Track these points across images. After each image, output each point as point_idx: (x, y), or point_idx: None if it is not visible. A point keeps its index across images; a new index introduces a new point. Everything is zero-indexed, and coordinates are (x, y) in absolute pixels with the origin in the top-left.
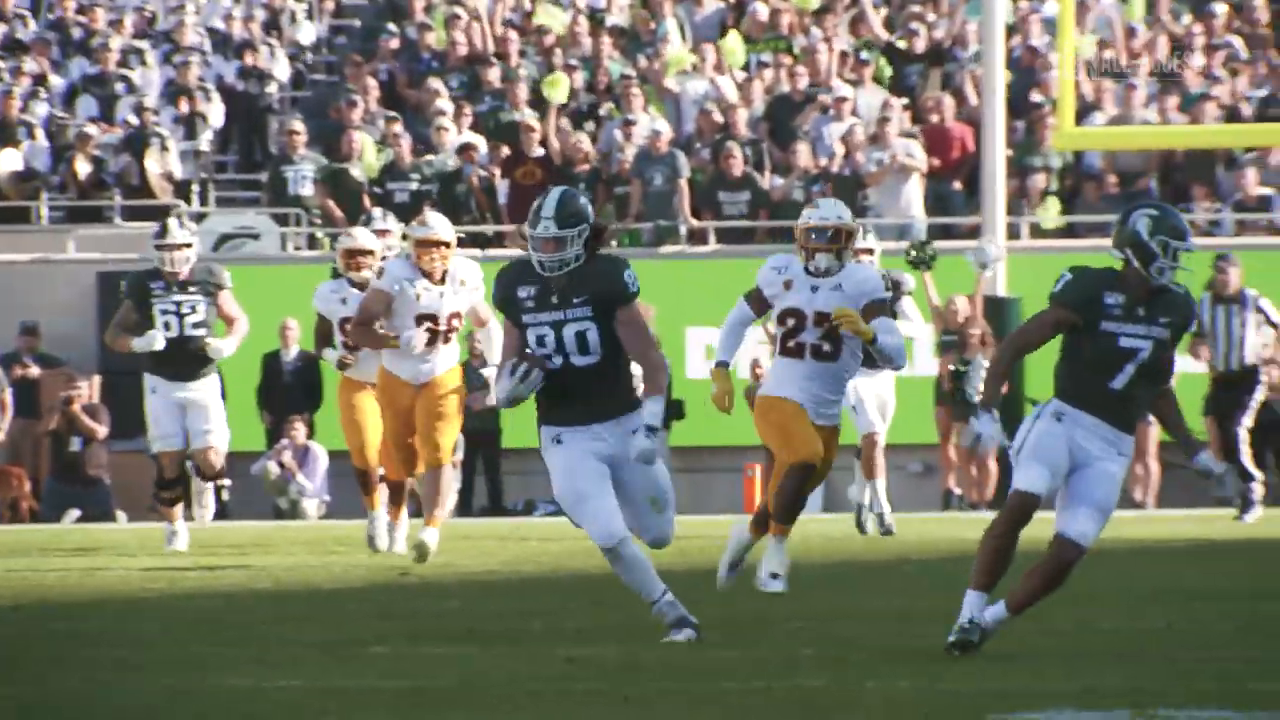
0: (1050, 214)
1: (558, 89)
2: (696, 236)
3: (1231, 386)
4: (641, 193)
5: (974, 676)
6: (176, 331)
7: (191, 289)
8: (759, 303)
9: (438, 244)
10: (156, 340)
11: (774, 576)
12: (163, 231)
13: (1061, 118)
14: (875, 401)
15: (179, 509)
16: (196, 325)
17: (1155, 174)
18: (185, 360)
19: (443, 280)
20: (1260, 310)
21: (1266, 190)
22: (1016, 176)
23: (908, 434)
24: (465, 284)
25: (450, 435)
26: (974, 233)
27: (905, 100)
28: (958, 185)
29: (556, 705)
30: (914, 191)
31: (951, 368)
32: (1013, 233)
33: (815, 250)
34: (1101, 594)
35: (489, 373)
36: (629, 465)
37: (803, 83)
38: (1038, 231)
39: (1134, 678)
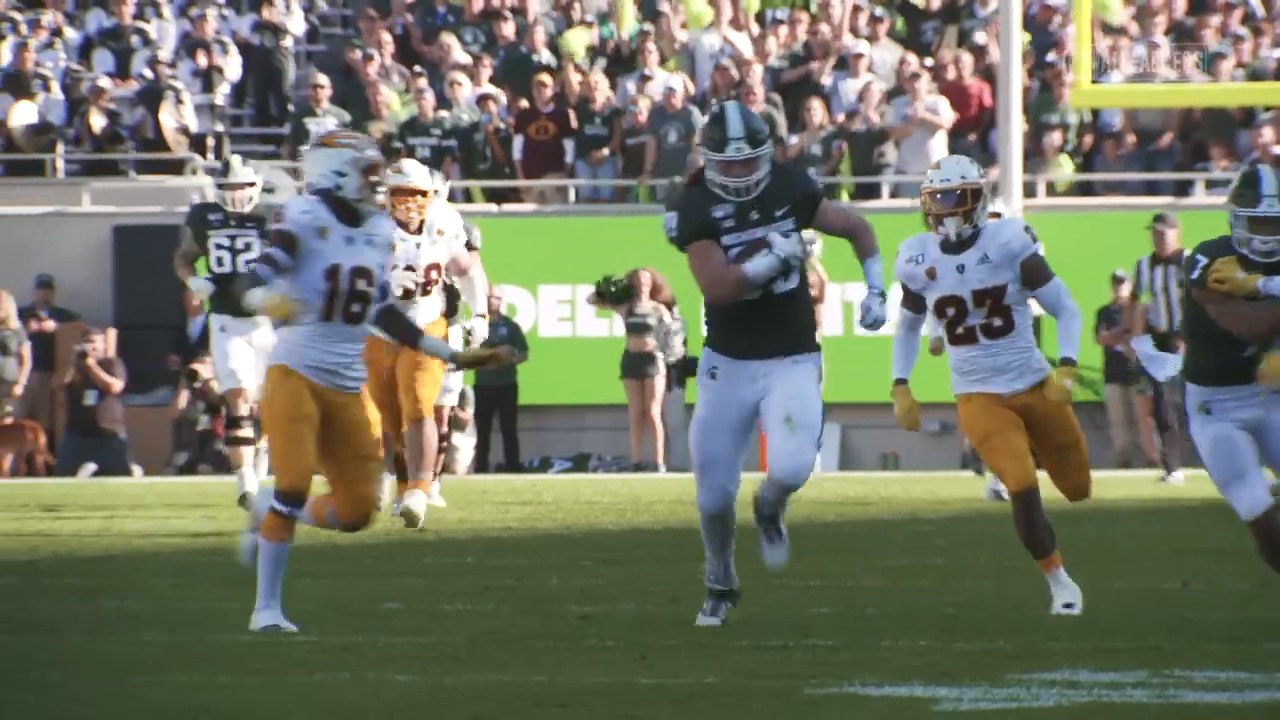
0: (1064, 171)
1: (576, 43)
2: None
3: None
4: (656, 149)
5: (990, 636)
6: (229, 267)
7: (249, 225)
8: (915, 300)
9: (413, 192)
10: (204, 288)
11: (1068, 606)
12: (225, 169)
13: (1078, 75)
14: None
15: (248, 451)
16: (250, 262)
17: (1174, 132)
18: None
19: (420, 230)
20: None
21: None
22: (1033, 134)
23: (923, 393)
24: (444, 234)
25: (431, 388)
26: (992, 190)
27: (922, 57)
28: (973, 140)
29: (571, 662)
30: (939, 148)
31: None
32: (1029, 191)
33: (942, 216)
34: (1116, 554)
35: (476, 326)
36: (779, 386)
37: (819, 38)
38: (1053, 190)
39: (1149, 638)
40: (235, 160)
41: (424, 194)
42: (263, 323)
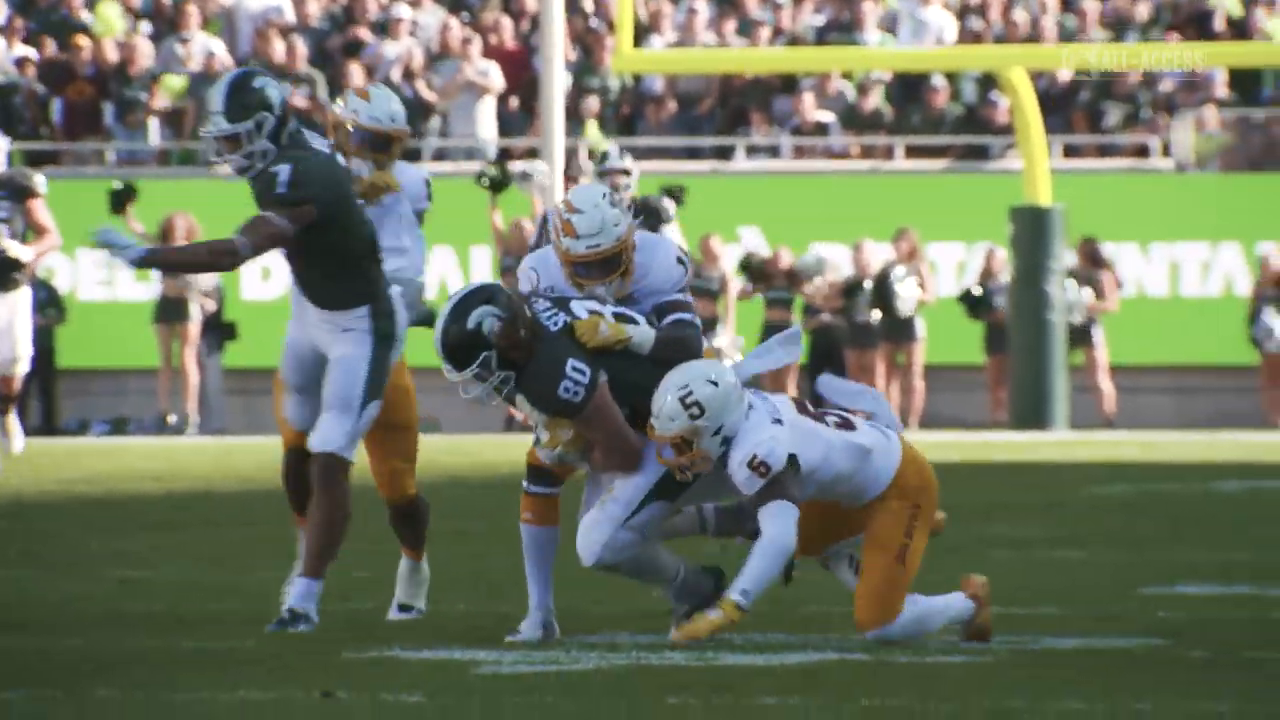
0: (593, 137)
1: (108, 13)
2: None
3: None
4: (196, 112)
5: (609, 600)
6: None
7: None
8: None
9: None
10: None
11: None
12: None
13: (620, 40)
14: None
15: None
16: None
17: (715, 98)
18: None
19: None
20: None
21: (825, 116)
22: (574, 99)
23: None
24: None
25: None
26: (533, 154)
27: (466, 18)
28: (515, 105)
29: (107, 627)
30: (486, 113)
31: None
32: (572, 155)
33: None
34: None
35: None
36: None
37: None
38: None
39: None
40: None
41: None
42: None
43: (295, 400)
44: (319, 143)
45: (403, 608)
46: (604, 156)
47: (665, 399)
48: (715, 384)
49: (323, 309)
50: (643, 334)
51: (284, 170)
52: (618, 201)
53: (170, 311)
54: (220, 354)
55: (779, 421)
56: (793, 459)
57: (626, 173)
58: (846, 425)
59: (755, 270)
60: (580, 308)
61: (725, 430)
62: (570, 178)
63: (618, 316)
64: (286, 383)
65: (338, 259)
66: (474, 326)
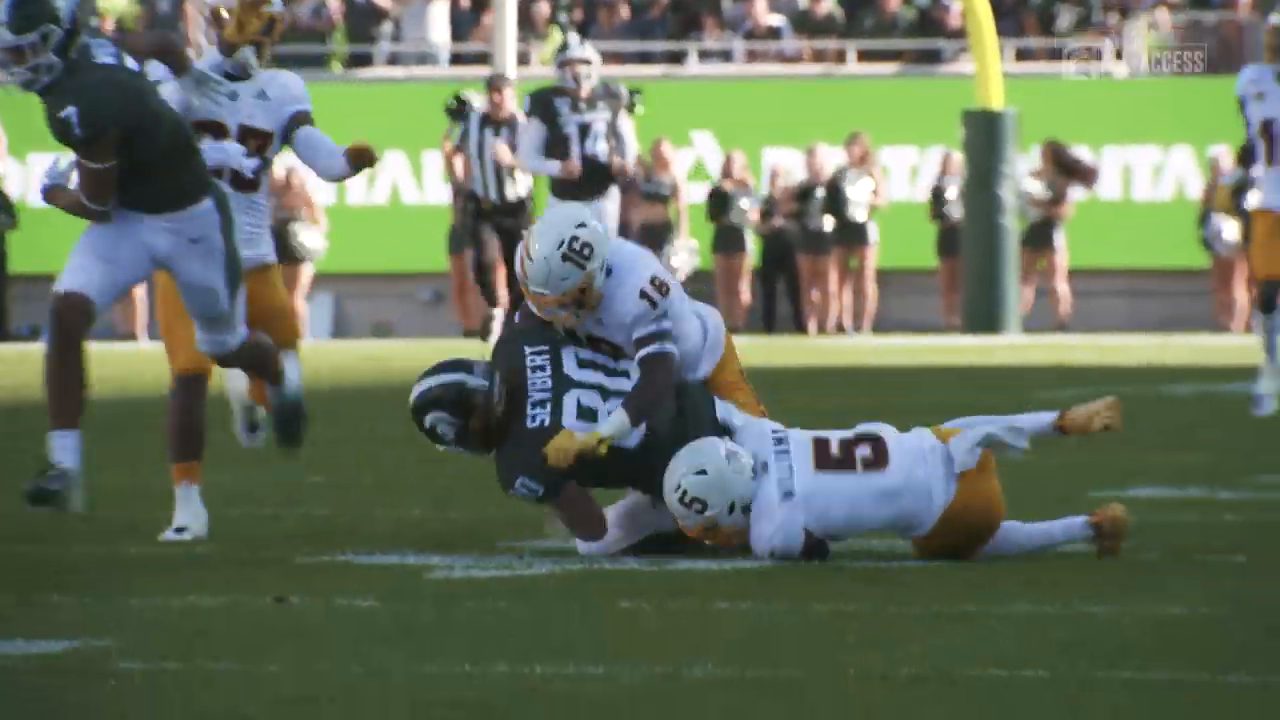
0: (550, 46)
1: None
2: None
3: (500, 215)
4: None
5: (483, 505)
6: None
7: None
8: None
9: None
10: None
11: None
12: None
13: None
14: None
15: None
16: None
17: (667, 2)
18: None
19: None
20: None
21: (776, 20)
22: (524, 2)
23: (419, 263)
24: None
25: None
26: (484, 59)
27: None
28: (468, 5)
29: (58, 533)
30: (439, 18)
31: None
32: (522, 60)
33: None
34: None
35: None
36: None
37: None
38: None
39: None
40: None
41: None
42: None
43: (98, 269)
44: (106, 53)
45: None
46: (564, 46)
47: (669, 500)
48: (704, 471)
49: (161, 213)
50: (616, 425)
51: (73, 113)
52: (576, 251)
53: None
54: None
55: (790, 494)
56: (807, 533)
57: (587, 62)
58: (878, 461)
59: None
60: (573, 396)
61: (738, 504)
62: (495, 88)
63: (610, 373)
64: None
65: (158, 160)
66: (429, 427)
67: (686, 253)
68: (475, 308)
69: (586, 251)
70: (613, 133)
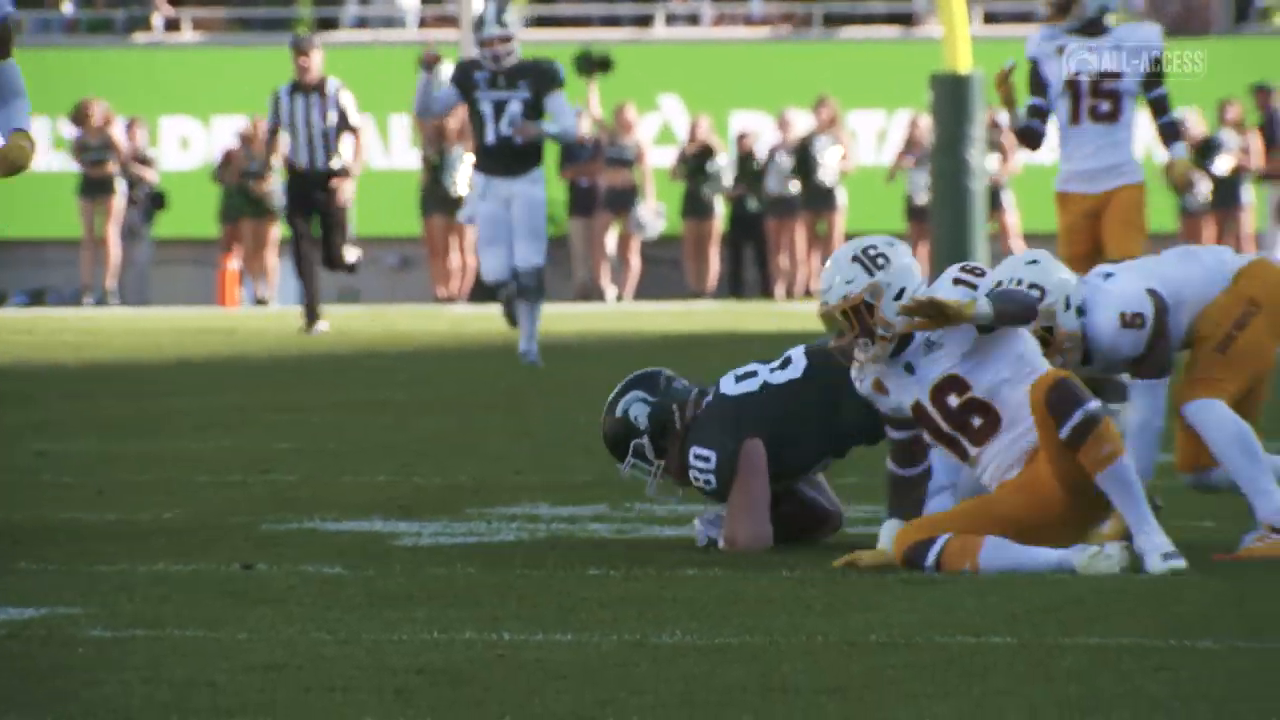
0: (518, 8)
1: None
2: (172, 25)
3: (315, 186)
4: None
5: (450, 471)
6: None
7: None
8: None
9: None
10: None
11: None
12: None
13: None
14: None
15: None
16: None
17: None
18: None
19: None
20: (340, 107)
21: None
22: None
23: (389, 226)
24: None
25: None
26: (448, 20)
27: None
28: None
29: (25, 499)
30: None
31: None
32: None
33: None
34: (581, 387)
35: None
36: None
37: None
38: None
39: (609, 472)
40: None
41: None
42: None
43: None
44: None
45: None
46: (479, 23)
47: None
48: (1036, 261)
49: None
50: (983, 305)
51: None
52: (870, 258)
53: (94, 187)
54: (150, 225)
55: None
56: (1153, 293)
57: (506, 39)
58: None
59: (596, 62)
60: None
61: (1073, 301)
62: (301, 50)
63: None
64: None
65: None
66: (621, 414)
67: (653, 215)
68: (446, 274)
69: (880, 261)
70: (534, 112)
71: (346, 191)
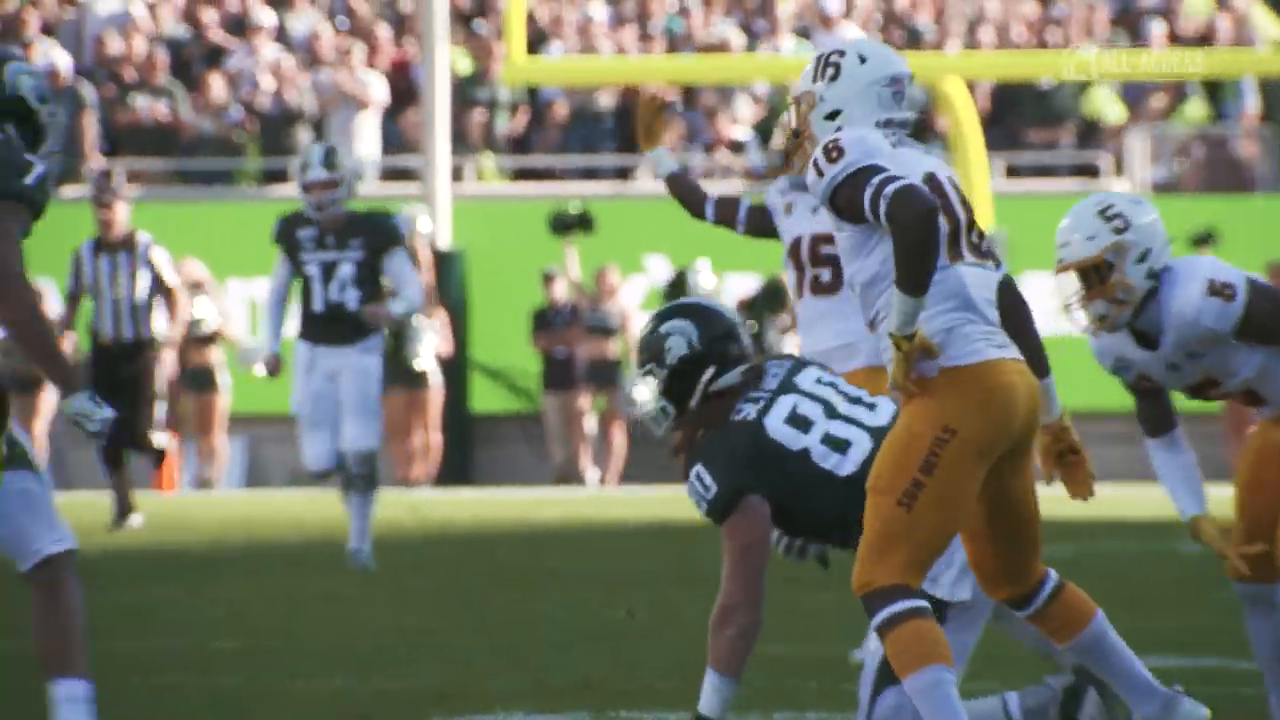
0: (488, 165)
1: None
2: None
3: (122, 359)
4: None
5: (413, 673)
6: None
7: None
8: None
9: None
10: None
11: None
12: None
13: (511, 48)
14: None
15: None
16: None
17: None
18: None
19: None
20: (153, 266)
21: (742, 133)
22: (458, 114)
23: None
24: None
25: None
26: (407, 174)
27: (344, 24)
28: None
29: None
30: (368, 127)
31: None
32: (456, 176)
33: None
34: (552, 579)
35: None
36: None
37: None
38: (483, 176)
39: (591, 673)
40: None
41: None
42: None
43: None
44: None
45: None
46: (304, 165)
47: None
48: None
49: None
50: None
51: None
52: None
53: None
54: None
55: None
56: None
57: (334, 184)
58: None
59: (574, 221)
60: (791, 400)
61: (1150, 254)
62: (104, 204)
63: (851, 400)
64: None
65: None
66: (663, 333)
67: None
68: (408, 455)
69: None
70: (369, 274)
71: (160, 366)
